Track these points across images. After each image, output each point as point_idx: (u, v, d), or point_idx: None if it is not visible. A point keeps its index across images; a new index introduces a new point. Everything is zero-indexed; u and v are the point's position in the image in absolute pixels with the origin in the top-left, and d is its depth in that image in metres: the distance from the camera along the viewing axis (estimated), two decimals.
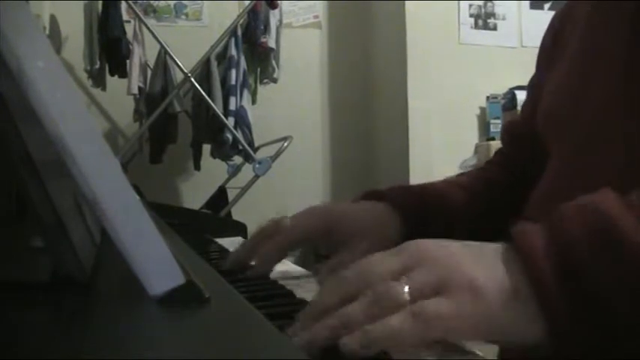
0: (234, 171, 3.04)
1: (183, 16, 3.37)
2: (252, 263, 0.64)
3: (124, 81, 2.75)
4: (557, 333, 0.37)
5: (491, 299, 0.37)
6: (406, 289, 0.37)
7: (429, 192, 0.72)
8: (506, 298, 0.37)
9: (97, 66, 2.77)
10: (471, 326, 0.37)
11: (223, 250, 0.84)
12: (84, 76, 2.89)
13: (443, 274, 0.38)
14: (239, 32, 2.77)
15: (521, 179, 0.72)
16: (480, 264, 0.39)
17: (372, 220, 0.66)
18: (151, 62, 2.83)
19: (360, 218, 0.66)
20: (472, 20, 3.22)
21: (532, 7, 3.28)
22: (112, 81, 2.90)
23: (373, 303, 0.37)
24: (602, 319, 0.36)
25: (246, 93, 2.79)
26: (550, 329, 0.37)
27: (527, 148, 0.73)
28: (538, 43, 0.76)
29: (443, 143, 3.05)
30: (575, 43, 0.64)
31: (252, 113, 2.81)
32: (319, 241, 0.65)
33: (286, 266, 0.65)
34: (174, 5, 3.36)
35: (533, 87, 0.76)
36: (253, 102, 2.96)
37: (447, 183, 0.76)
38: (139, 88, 2.72)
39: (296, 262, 0.75)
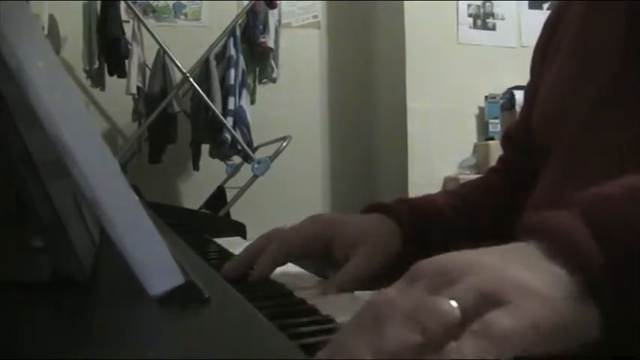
0: (233, 171, 3.04)
1: (182, 16, 3.37)
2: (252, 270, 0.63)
3: (123, 81, 2.75)
4: (608, 311, 0.33)
5: (551, 300, 0.32)
6: (454, 304, 0.30)
7: (428, 204, 0.72)
8: (561, 293, 0.32)
9: (96, 66, 2.77)
10: (541, 336, 0.31)
11: (223, 250, 0.84)
12: (83, 76, 2.89)
13: (488, 283, 0.31)
14: (238, 32, 2.77)
15: (523, 183, 0.72)
16: (518, 264, 0.33)
17: (372, 230, 0.66)
18: (150, 62, 2.83)
19: (360, 228, 0.66)
20: (471, 20, 3.22)
21: (531, 7, 3.28)
22: (111, 81, 2.90)
23: (419, 326, 0.29)
24: None
25: (245, 93, 2.79)
26: (601, 308, 0.33)
27: (527, 152, 0.73)
28: None
29: (442, 143, 3.05)
30: (569, 43, 0.64)
31: (251, 113, 2.81)
32: (320, 249, 0.65)
33: (286, 266, 0.65)
34: (173, 5, 3.36)
35: (529, 92, 0.76)
36: (252, 102, 2.96)
37: (446, 194, 0.77)
38: (138, 88, 2.72)
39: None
